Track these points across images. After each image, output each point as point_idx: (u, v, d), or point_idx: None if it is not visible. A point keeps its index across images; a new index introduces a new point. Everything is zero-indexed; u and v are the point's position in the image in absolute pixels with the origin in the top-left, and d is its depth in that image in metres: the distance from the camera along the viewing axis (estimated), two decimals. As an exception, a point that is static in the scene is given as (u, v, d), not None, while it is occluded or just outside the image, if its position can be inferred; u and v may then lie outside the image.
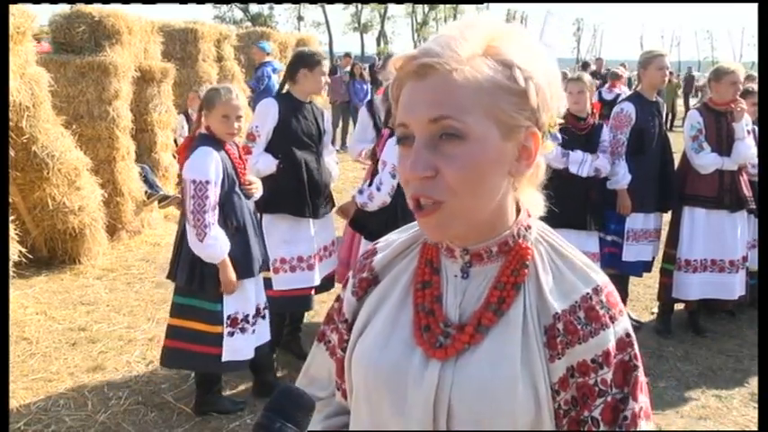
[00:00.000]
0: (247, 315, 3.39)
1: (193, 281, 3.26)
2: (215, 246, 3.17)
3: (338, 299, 1.13)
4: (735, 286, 4.59)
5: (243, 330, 3.38)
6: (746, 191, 4.54)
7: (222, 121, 3.25)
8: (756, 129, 4.69)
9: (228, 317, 3.32)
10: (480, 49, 0.89)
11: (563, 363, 0.92)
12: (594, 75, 13.48)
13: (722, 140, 4.48)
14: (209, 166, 3.17)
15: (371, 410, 1.00)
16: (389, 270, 1.07)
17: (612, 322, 0.94)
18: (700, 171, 4.51)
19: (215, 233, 3.17)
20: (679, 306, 4.88)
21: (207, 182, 3.14)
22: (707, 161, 4.48)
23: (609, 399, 0.92)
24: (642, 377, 0.96)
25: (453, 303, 0.98)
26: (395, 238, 1.10)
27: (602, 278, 0.97)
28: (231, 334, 3.33)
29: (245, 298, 3.37)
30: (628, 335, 0.95)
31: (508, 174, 0.93)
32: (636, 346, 0.96)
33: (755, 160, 4.64)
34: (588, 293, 0.94)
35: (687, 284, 4.62)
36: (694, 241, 4.58)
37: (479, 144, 0.88)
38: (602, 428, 0.92)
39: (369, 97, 9.76)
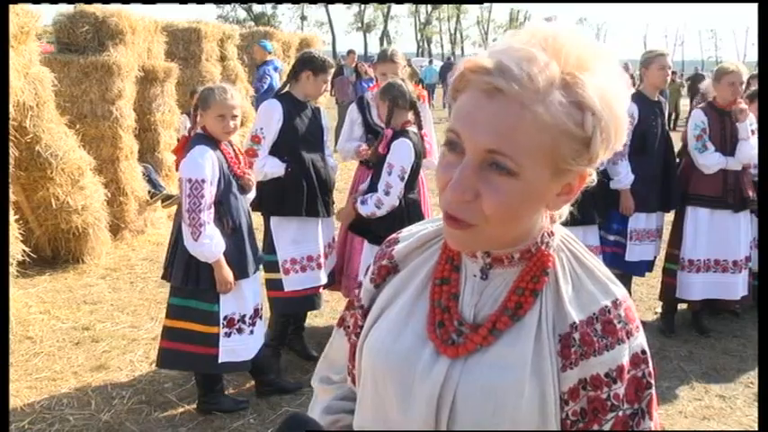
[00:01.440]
0: (244, 316, 3.39)
1: (189, 281, 3.26)
2: (210, 245, 3.18)
3: (359, 285, 1.14)
4: (738, 287, 4.58)
5: (240, 331, 3.38)
6: (751, 191, 4.53)
7: (217, 121, 3.25)
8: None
9: (225, 317, 3.32)
10: (559, 78, 0.83)
11: (575, 373, 0.92)
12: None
13: (726, 140, 4.47)
14: (205, 164, 3.17)
15: (377, 398, 1.01)
16: (410, 261, 1.07)
17: (628, 338, 0.93)
18: (703, 171, 4.50)
19: (210, 232, 3.17)
20: (682, 306, 4.88)
21: (203, 180, 3.14)
22: (710, 161, 4.47)
23: (620, 414, 0.92)
24: (654, 394, 0.96)
25: (469, 303, 0.98)
26: (418, 230, 1.09)
27: (621, 291, 0.96)
28: (228, 335, 3.33)
29: (241, 298, 3.37)
30: (643, 351, 0.95)
31: (545, 206, 0.93)
32: (650, 364, 0.95)
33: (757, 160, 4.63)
34: (607, 306, 0.94)
35: (691, 284, 4.61)
36: (698, 241, 4.57)
37: (527, 185, 0.86)
38: None
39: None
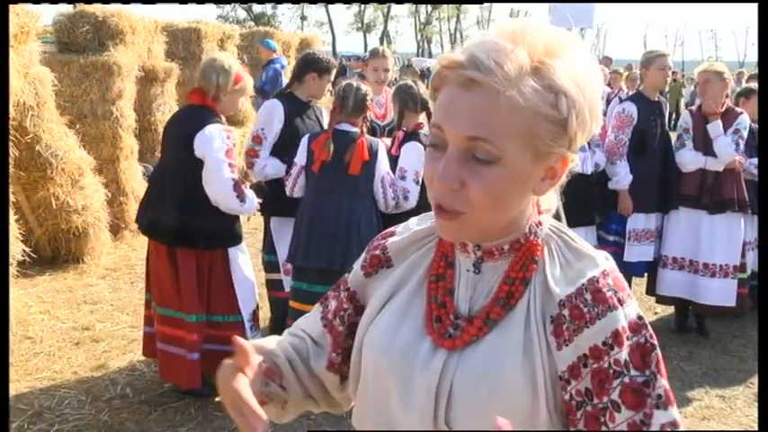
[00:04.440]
0: None
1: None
2: None
3: (351, 270, 1.16)
4: (711, 292, 4.51)
5: None
6: (734, 193, 4.48)
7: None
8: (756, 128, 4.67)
9: None
10: (530, 66, 0.87)
11: (572, 350, 0.92)
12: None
13: (708, 141, 4.48)
14: None
15: (379, 394, 1.03)
16: (405, 257, 1.09)
17: (621, 304, 0.93)
18: (681, 169, 4.55)
19: None
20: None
21: None
22: (684, 158, 4.53)
23: (627, 380, 0.91)
24: (660, 353, 0.95)
25: (464, 297, 1.01)
26: (413, 226, 1.12)
27: (609, 264, 0.98)
28: None
29: None
30: (640, 317, 0.95)
31: (531, 191, 0.95)
32: (650, 328, 0.95)
33: (755, 160, 4.62)
34: (595, 276, 0.95)
35: (666, 281, 4.65)
36: (676, 239, 4.61)
37: (510, 169, 0.89)
38: (623, 412, 0.90)
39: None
